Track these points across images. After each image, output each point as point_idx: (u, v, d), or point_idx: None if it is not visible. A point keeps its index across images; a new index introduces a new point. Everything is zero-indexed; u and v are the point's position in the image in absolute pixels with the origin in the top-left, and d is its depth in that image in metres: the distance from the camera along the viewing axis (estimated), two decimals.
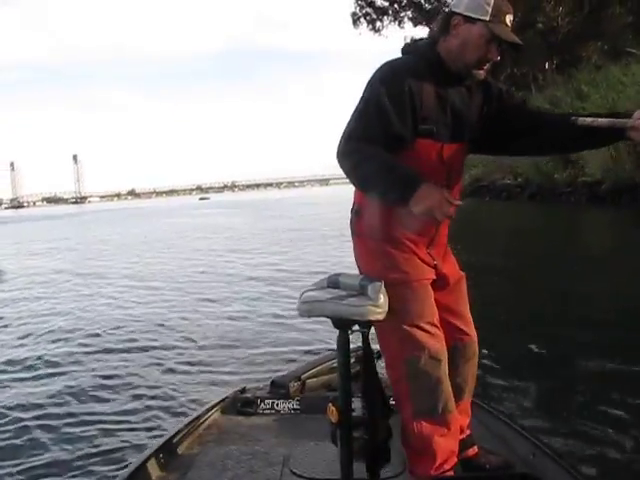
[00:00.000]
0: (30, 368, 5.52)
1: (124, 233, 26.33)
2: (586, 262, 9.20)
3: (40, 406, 4.47)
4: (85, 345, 6.32)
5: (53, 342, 6.52)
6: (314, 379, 3.40)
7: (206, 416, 3.04)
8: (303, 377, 3.36)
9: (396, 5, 39.82)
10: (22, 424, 4.11)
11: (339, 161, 2.04)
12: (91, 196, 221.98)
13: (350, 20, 40.60)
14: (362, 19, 40.43)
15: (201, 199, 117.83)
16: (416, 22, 40.30)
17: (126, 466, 2.58)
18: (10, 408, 4.43)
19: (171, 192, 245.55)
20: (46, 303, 9.26)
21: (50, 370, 5.42)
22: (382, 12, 40.20)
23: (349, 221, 2.28)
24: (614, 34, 27.17)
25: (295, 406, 3.18)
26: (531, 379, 4.55)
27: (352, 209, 2.27)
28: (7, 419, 4.22)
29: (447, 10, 2.18)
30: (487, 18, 2.04)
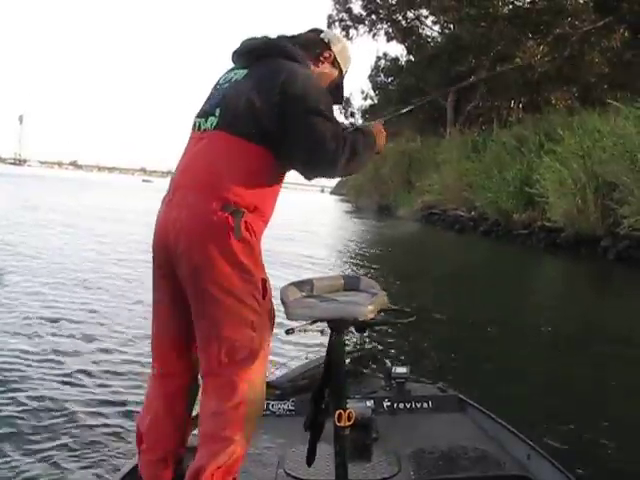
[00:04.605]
0: None
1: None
2: (533, 313, 8.61)
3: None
4: None
5: None
6: (309, 380, 3.31)
7: None
8: (298, 378, 3.37)
9: (373, 16, 39.13)
10: None
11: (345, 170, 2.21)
12: (31, 160, 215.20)
13: (325, 22, 39.58)
14: (337, 23, 39.58)
15: (144, 181, 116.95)
16: (390, 38, 39.93)
17: (119, 468, 2.55)
18: None
19: (114, 169, 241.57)
20: None
21: None
22: (358, 20, 39.41)
23: (214, 222, 2.05)
24: (589, 82, 27.08)
25: (290, 407, 3.19)
26: (526, 383, 4.69)
27: (224, 210, 2.06)
28: None
29: (322, 37, 2.38)
30: (345, 70, 2.47)
